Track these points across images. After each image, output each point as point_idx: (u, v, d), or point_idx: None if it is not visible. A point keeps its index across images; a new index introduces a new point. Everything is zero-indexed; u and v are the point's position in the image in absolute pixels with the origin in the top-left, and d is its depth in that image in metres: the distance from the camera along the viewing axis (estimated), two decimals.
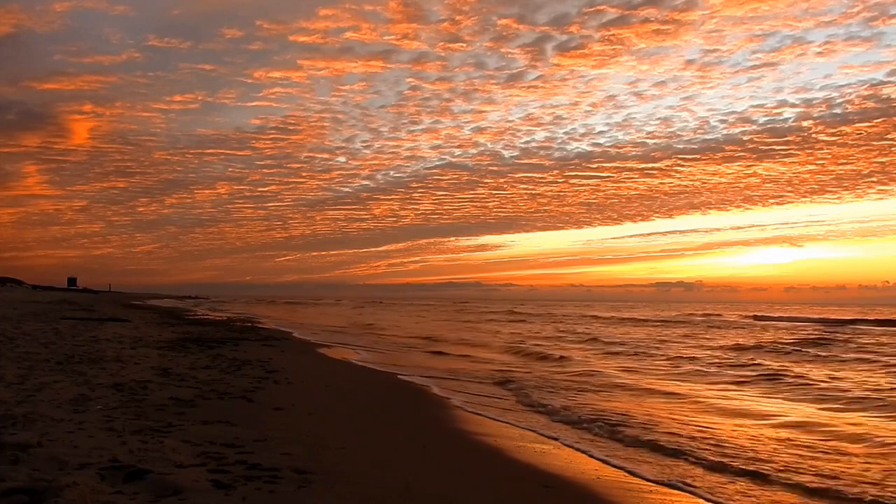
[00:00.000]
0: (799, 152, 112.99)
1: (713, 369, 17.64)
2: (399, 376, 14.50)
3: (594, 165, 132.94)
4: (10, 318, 23.94)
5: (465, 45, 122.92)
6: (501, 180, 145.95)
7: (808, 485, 6.68)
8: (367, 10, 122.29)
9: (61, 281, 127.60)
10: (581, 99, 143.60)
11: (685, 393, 13.22)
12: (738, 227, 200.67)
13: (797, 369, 17.27)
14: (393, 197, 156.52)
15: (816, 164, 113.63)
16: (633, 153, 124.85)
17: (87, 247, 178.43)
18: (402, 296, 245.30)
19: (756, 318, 55.24)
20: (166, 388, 9.53)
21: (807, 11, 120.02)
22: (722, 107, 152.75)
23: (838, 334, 31.08)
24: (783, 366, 18.00)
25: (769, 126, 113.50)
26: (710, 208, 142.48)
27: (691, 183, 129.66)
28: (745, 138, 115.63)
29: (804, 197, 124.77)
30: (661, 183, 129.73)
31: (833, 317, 54.62)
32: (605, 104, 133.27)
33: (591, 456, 7.81)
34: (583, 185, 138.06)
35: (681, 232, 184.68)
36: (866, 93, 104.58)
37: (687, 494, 6.38)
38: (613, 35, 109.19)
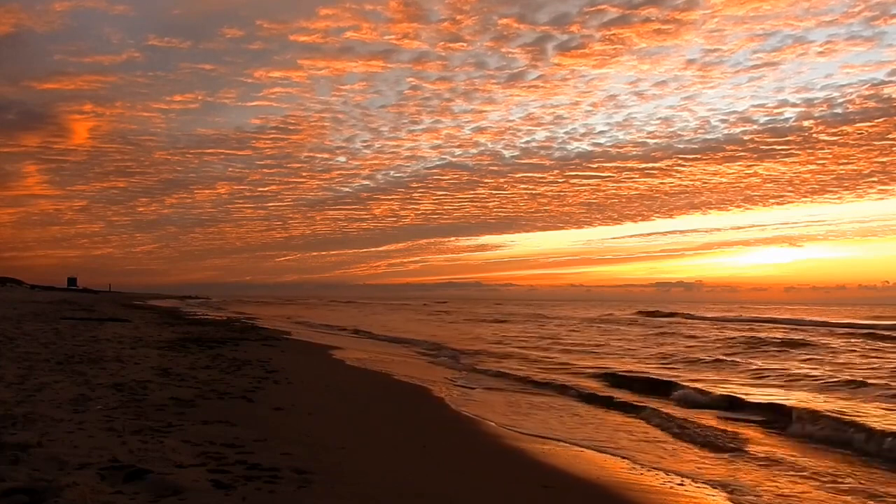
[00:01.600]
0: (800, 152, 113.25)
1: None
2: (400, 378, 14.50)
3: (595, 165, 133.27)
4: (10, 318, 23.94)
5: (465, 44, 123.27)
6: (502, 180, 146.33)
7: None
8: (368, 10, 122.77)
9: (61, 281, 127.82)
10: (582, 99, 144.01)
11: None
12: (739, 227, 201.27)
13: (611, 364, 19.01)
14: (393, 197, 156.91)
15: (817, 164, 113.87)
16: (634, 153, 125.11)
17: (87, 247, 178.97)
18: (398, 296, 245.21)
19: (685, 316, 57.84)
20: (166, 388, 9.52)
21: (808, 11, 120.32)
22: (723, 106, 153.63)
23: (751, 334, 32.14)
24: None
25: (770, 126, 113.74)
26: (710, 208, 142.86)
27: (692, 183, 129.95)
28: (745, 138, 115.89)
29: (805, 197, 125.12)
30: (662, 183, 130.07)
31: (776, 316, 56.37)
32: (606, 104, 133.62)
33: (593, 449, 7.82)
34: (583, 185, 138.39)
35: (681, 232, 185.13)
36: (867, 92, 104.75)
37: (685, 493, 6.39)
38: (614, 35, 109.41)
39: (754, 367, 17.18)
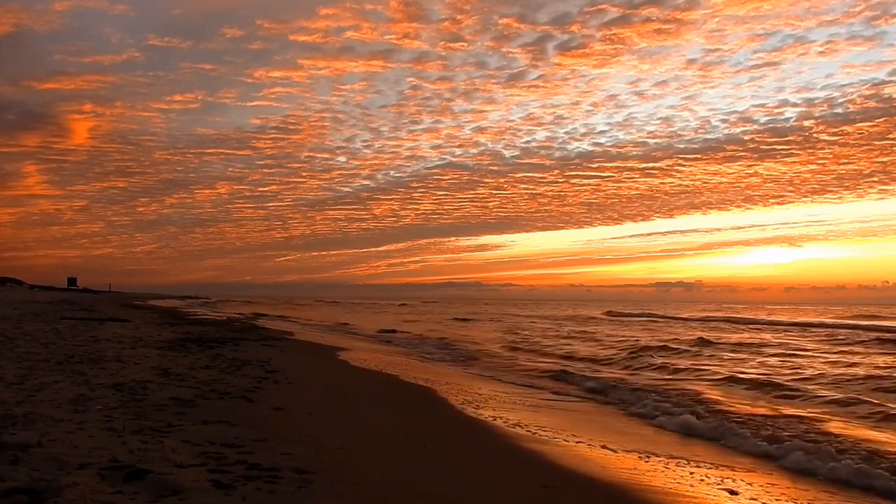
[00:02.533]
0: (800, 152, 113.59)
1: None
2: (400, 378, 14.49)
3: (595, 165, 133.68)
4: (10, 318, 23.93)
5: (465, 44, 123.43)
6: (502, 180, 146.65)
7: None
8: (368, 10, 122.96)
9: (61, 281, 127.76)
10: (582, 98, 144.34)
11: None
12: (739, 227, 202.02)
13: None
14: (393, 197, 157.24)
15: (818, 164, 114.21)
16: (634, 153, 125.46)
17: (87, 247, 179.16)
18: (398, 296, 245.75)
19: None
20: (166, 388, 9.52)
21: (809, 10, 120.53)
22: (723, 106, 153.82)
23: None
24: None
25: (770, 126, 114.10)
26: (710, 208, 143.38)
27: (692, 183, 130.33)
28: (746, 138, 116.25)
29: (805, 197, 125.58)
30: (662, 183, 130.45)
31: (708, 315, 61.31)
32: (606, 104, 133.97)
33: (590, 446, 7.82)
34: (583, 185, 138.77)
35: (681, 232, 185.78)
36: (868, 92, 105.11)
37: (686, 492, 6.39)
38: (615, 34, 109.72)
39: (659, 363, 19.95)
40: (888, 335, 29.70)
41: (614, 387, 14.49)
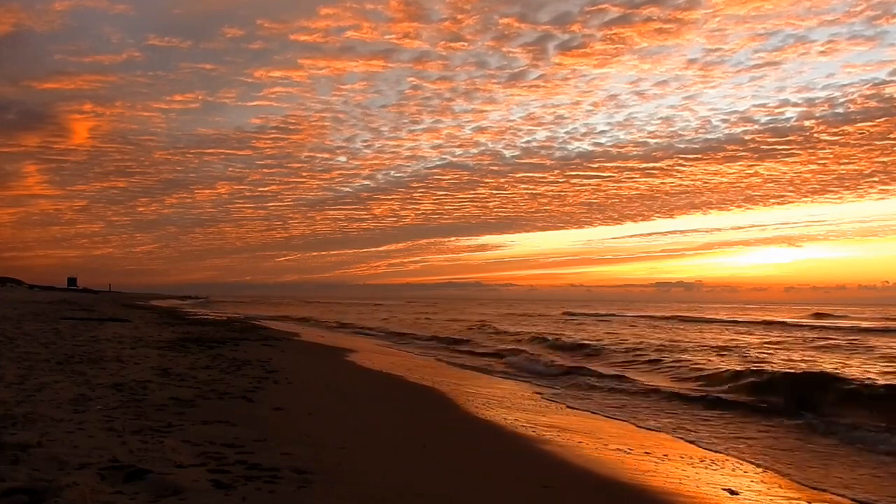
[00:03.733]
0: (801, 152, 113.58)
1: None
2: (401, 378, 14.48)
3: (595, 165, 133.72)
4: (10, 318, 23.93)
5: (466, 44, 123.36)
6: (502, 180, 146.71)
7: None
8: (369, 9, 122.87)
9: (61, 281, 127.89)
10: (582, 98, 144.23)
11: None
12: (739, 227, 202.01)
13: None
14: (393, 197, 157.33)
15: (818, 164, 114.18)
16: (635, 153, 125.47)
17: (87, 247, 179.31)
18: (397, 296, 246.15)
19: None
20: (166, 388, 9.52)
21: (810, 10, 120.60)
22: (724, 106, 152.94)
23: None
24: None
25: (771, 125, 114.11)
26: (710, 208, 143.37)
27: (692, 183, 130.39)
28: (746, 138, 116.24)
29: (805, 197, 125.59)
30: (663, 183, 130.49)
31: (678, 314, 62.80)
32: (607, 103, 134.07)
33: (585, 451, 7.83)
34: (584, 185, 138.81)
35: (681, 232, 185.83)
36: (869, 92, 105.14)
37: (686, 491, 6.39)
38: (615, 34, 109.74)
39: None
40: (776, 335, 31.65)
41: None
